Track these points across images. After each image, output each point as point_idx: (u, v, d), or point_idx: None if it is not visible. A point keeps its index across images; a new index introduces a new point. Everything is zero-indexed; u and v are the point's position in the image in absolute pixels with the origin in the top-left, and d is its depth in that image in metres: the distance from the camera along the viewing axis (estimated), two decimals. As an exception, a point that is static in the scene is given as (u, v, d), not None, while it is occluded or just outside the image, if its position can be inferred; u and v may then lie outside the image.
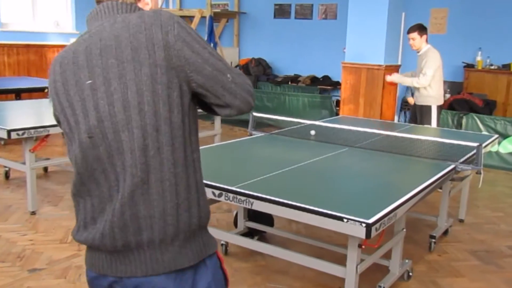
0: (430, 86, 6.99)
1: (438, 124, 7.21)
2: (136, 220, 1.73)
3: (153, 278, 1.76)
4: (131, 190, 1.71)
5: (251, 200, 3.29)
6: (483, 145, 4.60)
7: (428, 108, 7.13)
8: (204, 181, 3.43)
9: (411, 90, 7.82)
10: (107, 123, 1.70)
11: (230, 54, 14.42)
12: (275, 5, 13.74)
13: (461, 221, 5.94)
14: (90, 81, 1.72)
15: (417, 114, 7.35)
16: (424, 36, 7.06)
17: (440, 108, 7.26)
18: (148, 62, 1.67)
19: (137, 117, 1.68)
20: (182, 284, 1.80)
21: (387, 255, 4.16)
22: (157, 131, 1.69)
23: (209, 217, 1.92)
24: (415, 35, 7.04)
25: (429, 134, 5.67)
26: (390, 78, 7.30)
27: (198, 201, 1.83)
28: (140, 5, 1.91)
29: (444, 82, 7.65)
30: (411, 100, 7.76)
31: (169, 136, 1.71)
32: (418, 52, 7.16)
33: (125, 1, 1.85)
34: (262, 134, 5.40)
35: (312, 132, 5.29)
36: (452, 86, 10.49)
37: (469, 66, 10.94)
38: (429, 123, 7.09)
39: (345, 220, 2.91)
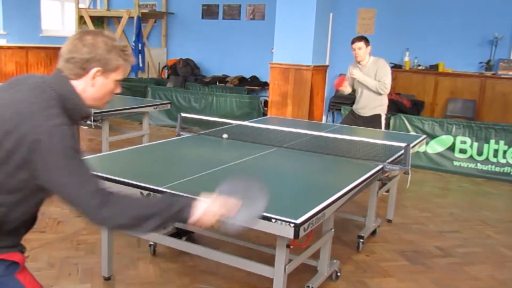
0: (381, 95, 6.81)
1: None
2: None
3: None
4: None
5: (179, 200, 3.22)
6: (411, 145, 4.63)
7: (378, 117, 6.93)
8: (132, 181, 3.32)
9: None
10: None
11: (158, 54, 14.32)
12: (203, 5, 13.71)
13: (389, 221, 5.99)
14: None
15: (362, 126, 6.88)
16: (369, 48, 6.82)
17: (386, 116, 7.09)
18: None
19: None
20: None
21: (316, 255, 4.14)
22: None
23: None
24: (361, 44, 6.76)
25: (357, 134, 5.69)
26: (355, 72, 6.96)
27: None
28: (81, 82, 2.20)
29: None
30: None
31: None
32: (360, 63, 6.86)
33: (64, 76, 2.19)
34: (190, 134, 5.32)
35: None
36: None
37: (396, 67, 11.10)
38: None
39: (273, 220, 2.87)
